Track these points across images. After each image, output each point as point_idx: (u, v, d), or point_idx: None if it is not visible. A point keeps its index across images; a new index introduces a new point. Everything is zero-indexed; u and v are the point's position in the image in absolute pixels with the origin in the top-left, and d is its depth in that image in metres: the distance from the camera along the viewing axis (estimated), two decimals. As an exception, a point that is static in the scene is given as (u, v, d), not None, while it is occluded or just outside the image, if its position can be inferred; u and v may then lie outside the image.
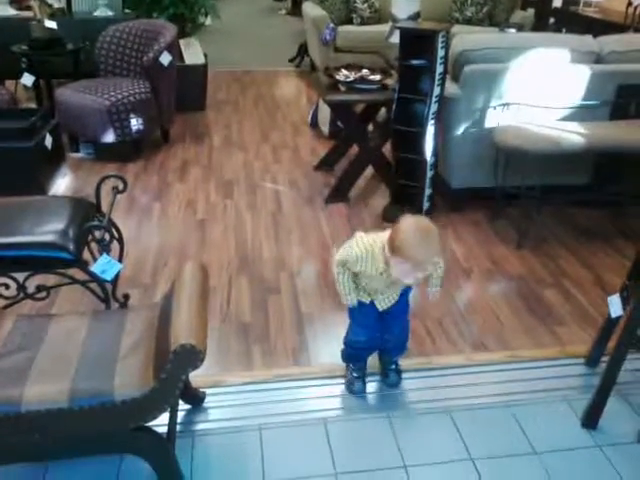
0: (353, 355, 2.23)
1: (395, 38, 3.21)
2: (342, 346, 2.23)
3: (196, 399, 2.12)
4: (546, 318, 2.67)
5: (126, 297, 2.55)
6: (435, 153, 3.31)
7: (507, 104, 3.24)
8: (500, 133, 3.18)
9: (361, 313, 2.10)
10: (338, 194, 3.70)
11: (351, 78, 3.52)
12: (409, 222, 1.81)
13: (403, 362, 2.33)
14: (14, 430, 1.54)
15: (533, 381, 2.30)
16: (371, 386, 2.26)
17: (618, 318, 2.16)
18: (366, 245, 1.92)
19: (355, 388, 2.22)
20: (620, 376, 2.05)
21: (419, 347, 2.48)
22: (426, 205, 3.40)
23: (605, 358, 2.21)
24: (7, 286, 2.18)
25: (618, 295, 2.16)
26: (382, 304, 2.08)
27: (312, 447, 1.99)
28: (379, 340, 2.18)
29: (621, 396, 2.20)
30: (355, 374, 2.23)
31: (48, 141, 3.82)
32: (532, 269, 3.04)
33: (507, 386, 2.27)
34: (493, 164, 3.31)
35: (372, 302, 2.07)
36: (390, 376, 2.27)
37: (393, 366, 2.29)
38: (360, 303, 2.07)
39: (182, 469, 1.79)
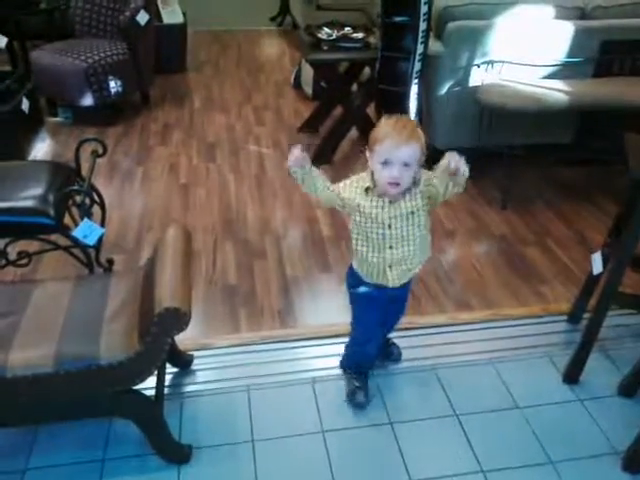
0: (356, 363, 2.06)
1: (378, -6, 3.14)
2: (343, 353, 2.10)
3: (184, 362, 2.13)
4: (529, 276, 2.70)
5: (110, 262, 2.53)
6: (419, 113, 3.28)
7: (491, 62, 3.20)
8: (484, 91, 3.15)
9: (368, 310, 1.91)
10: (322, 156, 3.66)
11: (333, 36, 3.46)
12: (387, 117, 1.66)
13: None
14: (1, 395, 1.54)
15: (516, 338, 2.33)
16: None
17: (600, 275, 2.19)
18: (347, 181, 1.75)
19: (358, 400, 2.01)
20: (601, 332, 2.09)
21: (404, 307, 2.50)
22: (410, 166, 3.38)
23: (587, 315, 2.24)
24: (-12, 253, 2.15)
25: (600, 253, 2.18)
26: (400, 276, 1.81)
27: (300, 406, 2.01)
28: (381, 346, 2.10)
29: (602, 351, 2.24)
30: (357, 383, 2.03)
31: (25, 105, 3.73)
32: (515, 228, 3.06)
33: (491, 344, 2.30)
34: (477, 123, 3.29)
35: (382, 289, 1.84)
36: (393, 352, 2.20)
37: (390, 341, 2.22)
38: (368, 299, 1.88)
39: (171, 431, 1.81)
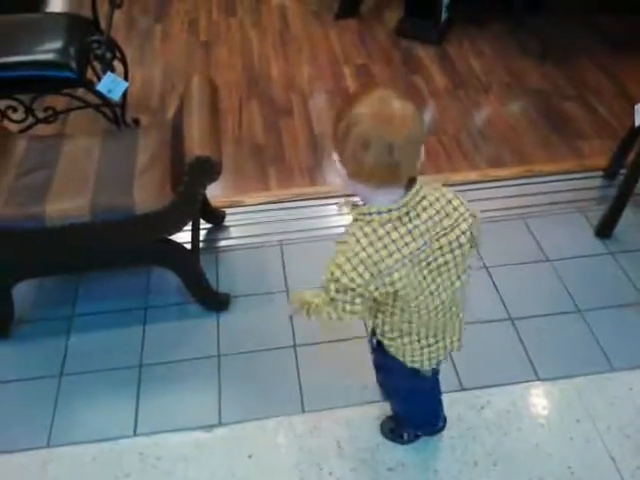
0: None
1: None
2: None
3: (217, 218, 2.16)
4: (566, 132, 2.60)
5: (136, 121, 2.50)
6: (455, -44, 3.02)
7: None
8: None
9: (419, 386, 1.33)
10: (348, 8, 3.45)
11: None
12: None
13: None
14: (42, 244, 1.58)
15: (549, 194, 2.29)
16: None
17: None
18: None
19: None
20: (637, 187, 2.03)
21: (434, 163, 2.45)
22: (444, 16, 3.17)
23: (624, 171, 2.18)
24: (14, 109, 2.12)
25: (645, 103, 2.07)
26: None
27: (331, 259, 2.05)
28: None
29: (637, 207, 2.20)
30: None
31: (34, -44, 3.51)
32: (554, 82, 2.91)
33: (523, 200, 2.27)
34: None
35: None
36: None
37: None
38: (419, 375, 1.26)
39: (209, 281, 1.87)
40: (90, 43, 2.04)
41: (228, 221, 2.20)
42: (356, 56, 3.13)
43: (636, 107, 2.09)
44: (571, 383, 1.69)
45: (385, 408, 1.60)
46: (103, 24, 2.37)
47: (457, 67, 3.03)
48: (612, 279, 1.98)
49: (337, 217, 2.21)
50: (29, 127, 2.15)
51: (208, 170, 1.50)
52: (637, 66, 2.99)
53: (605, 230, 2.12)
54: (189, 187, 1.52)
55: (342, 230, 2.00)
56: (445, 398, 1.50)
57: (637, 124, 2.10)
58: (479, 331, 1.81)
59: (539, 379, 1.70)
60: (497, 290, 1.94)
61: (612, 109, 2.71)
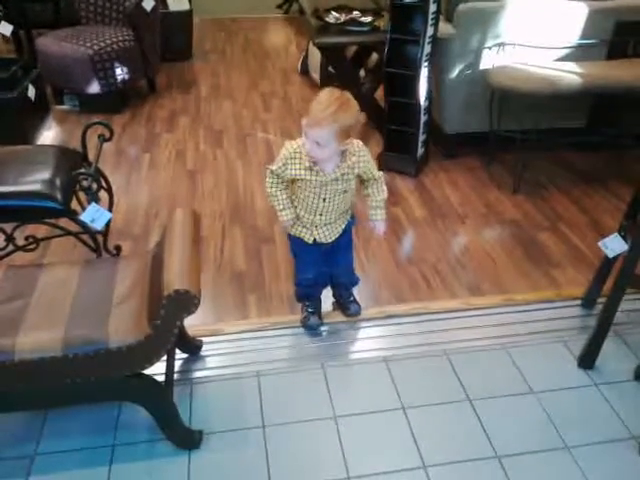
0: (305, 293, 2.28)
1: (387, -24, 3.09)
2: (294, 287, 2.29)
3: (193, 348, 2.11)
4: (542, 261, 2.66)
5: (118, 248, 2.51)
6: (429, 97, 3.23)
7: (502, 44, 3.15)
8: (495, 74, 3.09)
9: (304, 251, 2.13)
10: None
11: (341, 20, 3.40)
12: (327, 90, 1.79)
13: (398, 307, 2.36)
14: (9, 378, 1.52)
15: (529, 323, 2.30)
16: (371, 332, 2.27)
17: (614, 259, 2.14)
18: (294, 145, 1.88)
19: (310, 322, 2.26)
20: (617, 316, 2.05)
21: (414, 292, 2.47)
22: (420, 151, 3.33)
23: (602, 299, 2.21)
24: (-5, 237, 2.14)
25: (614, 236, 2.12)
26: (326, 235, 2.05)
27: (310, 392, 1.99)
28: (327, 276, 2.26)
29: (618, 336, 2.21)
30: (310, 309, 2.28)
31: (31, 92, 3.70)
32: (527, 213, 3.02)
33: (504, 329, 2.27)
34: (488, 107, 3.24)
35: (314, 242, 2.06)
36: (350, 308, 2.33)
37: (351, 298, 2.34)
38: (303, 242, 2.08)
39: (181, 416, 1.78)
40: (77, 175, 2.10)
41: (205, 350, 2.15)
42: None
43: (600, 244, 2.13)
44: (564, 529, 1.59)
45: None
46: (92, 155, 2.46)
47: (434, 198, 3.14)
48: (598, 413, 1.93)
49: (316, 346, 2.19)
50: (8, 255, 2.15)
51: (186, 304, 1.48)
52: (605, 199, 3.13)
53: (587, 361, 2.11)
54: (166, 321, 1.50)
55: (322, 360, 1.97)
56: None
57: (610, 255, 2.15)
58: (465, 471, 1.73)
59: (530, 525, 1.60)
60: (482, 425, 1.88)
61: (585, 239, 2.80)
